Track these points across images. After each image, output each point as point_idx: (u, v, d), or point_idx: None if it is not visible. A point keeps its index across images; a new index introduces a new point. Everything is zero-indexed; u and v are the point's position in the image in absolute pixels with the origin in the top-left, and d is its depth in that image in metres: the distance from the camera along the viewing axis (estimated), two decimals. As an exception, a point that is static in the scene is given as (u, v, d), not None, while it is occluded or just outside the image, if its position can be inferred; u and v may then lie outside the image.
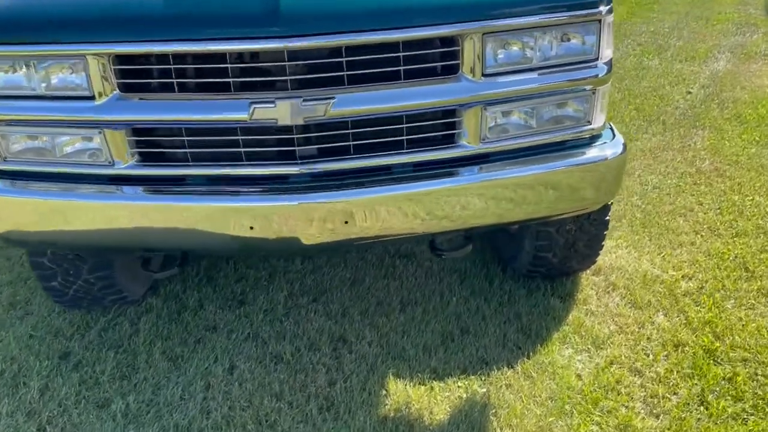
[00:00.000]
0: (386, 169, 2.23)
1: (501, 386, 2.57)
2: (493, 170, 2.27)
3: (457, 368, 2.67)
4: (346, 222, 2.16)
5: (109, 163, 2.20)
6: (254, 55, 2.06)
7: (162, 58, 2.07)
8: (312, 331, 2.91)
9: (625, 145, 2.45)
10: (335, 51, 2.05)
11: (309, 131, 2.15)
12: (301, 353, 2.79)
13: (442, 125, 2.23)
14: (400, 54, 2.09)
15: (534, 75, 2.21)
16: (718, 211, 3.68)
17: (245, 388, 2.61)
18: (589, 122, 2.35)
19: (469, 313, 2.97)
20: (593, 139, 2.40)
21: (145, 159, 2.21)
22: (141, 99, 2.11)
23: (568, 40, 2.21)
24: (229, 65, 2.05)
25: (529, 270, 3.08)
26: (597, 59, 2.26)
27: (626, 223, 3.62)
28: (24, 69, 2.10)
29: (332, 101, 2.06)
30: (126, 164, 2.20)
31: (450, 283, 3.18)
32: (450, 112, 2.20)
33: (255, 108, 2.05)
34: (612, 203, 2.92)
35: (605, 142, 2.41)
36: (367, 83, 2.10)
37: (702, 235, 3.46)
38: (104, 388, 2.64)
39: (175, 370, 2.72)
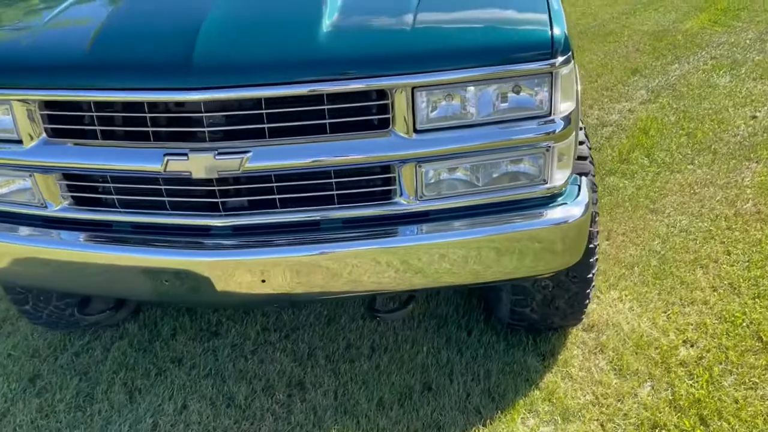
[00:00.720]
0: (315, 224, 2.11)
1: (448, 456, 2.40)
2: (432, 231, 2.09)
3: None
4: (263, 281, 2.05)
5: (42, 204, 2.19)
6: (173, 106, 1.98)
7: (87, 105, 2.03)
8: (273, 373, 2.82)
9: (588, 206, 2.20)
10: (255, 103, 1.95)
11: (233, 183, 2.05)
12: (255, 396, 2.71)
13: (375, 181, 2.08)
14: (325, 107, 1.95)
15: (474, 131, 2.01)
16: (746, 264, 3.29)
17: (189, 432, 2.57)
18: (545, 181, 2.13)
19: (437, 366, 2.80)
20: (552, 198, 2.17)
21: (78, 203, 2.18)
22: (67, 144, 2.09)
23: (516, 93, 2.00)
24: (147, 115, 1.98)
25: (509, 323, 2.87)
26: (550, 114, 2.03)
27: (638, 272, 3.30)
28: None
29: (248, 155, 1.96)
30: (58, 207, 2.18)
31: (426, 328, 3.01)
32: (384, 168, 2.05)
33: (168, 160, 1.97)
34: (596, 259, 2.66)
35: (565, 203, 2.17)
36: (290, 136, 1.99)
37: (719, 293, 3.11)
38: (58, 418, 2.67)
39: (129, 404, 2.71)
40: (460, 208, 2.12)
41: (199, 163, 1.96)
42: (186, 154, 1.96)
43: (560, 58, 1.98)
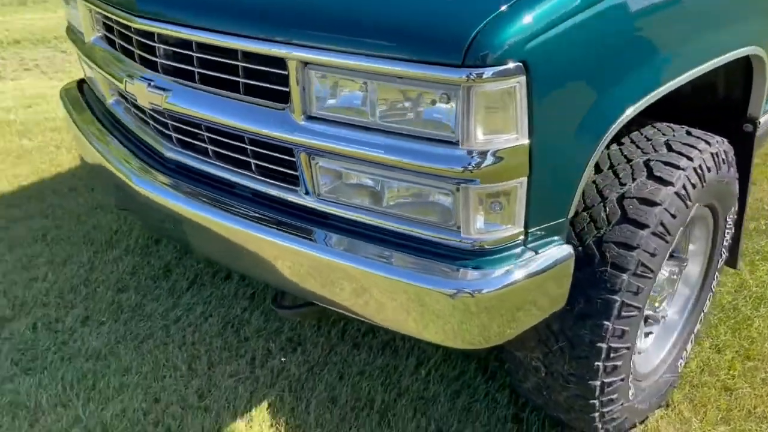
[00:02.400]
0: (231, 186, 1.96)
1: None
2: (321, 239, 1.75)
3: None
4: (163, 222, 2.02)
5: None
6: (143, 32, 2.00)
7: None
8: (308, 335, 2.75)
9: (517, 282, 1.57)
10: (184, 43, 1.86)
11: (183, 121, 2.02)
12: (258, 335, 2.73)
13: (282, 160, 1.80)
14: (239, 64, 1.75)
15: (366, 136, 1.57)
16: None
17: (200, 330, 2.73)
18: (458, 228, 1.57)
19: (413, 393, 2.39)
20: (477, 254, 1.59)
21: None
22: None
23: (422, 103, 1.49)
24: (129, 34, 2.06)
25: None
26: (457, 143, 1.46)
27: None
28: None
29: (168, 93, 1.90)
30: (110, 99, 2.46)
31: (452, 356, 2.56)
32: (288, 149, 1.76)
33: (126, 80, 2.04)
34: (616, 366, 1.88)
35: (481, 267, 1.56)
36: (214, 86, 1.85)
37: None
38: (137, 280, 3.10)
39: (182, 293, 2.97)
40: (363, 225, 1.71)
41: (139, 91, 1.98)
42: (132, 79, 2.00)
43: (485, 70, 1.38)
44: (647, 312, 2.22)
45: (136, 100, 2.04)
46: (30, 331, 2.80)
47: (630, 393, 2.04)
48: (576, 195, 1.66)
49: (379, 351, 2.62)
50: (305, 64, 1.59)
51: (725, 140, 2.09)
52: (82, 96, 2.74)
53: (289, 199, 1.82)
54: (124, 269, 3.18)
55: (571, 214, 1.68)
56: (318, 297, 1.81)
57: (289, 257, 1.77)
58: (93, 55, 2.34)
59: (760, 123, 2.31)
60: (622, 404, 2.01)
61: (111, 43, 2.25)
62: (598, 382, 1.88)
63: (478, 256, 1.59)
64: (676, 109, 2.15)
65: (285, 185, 1.82)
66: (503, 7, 1.41)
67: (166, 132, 2.08)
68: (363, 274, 1.62)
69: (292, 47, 1.60)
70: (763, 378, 2.42)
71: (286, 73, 1.64)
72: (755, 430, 2.21)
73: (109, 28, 2.24)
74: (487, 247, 1.58)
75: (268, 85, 1.71)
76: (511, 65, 1.40)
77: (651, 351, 2.31)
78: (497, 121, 1.44)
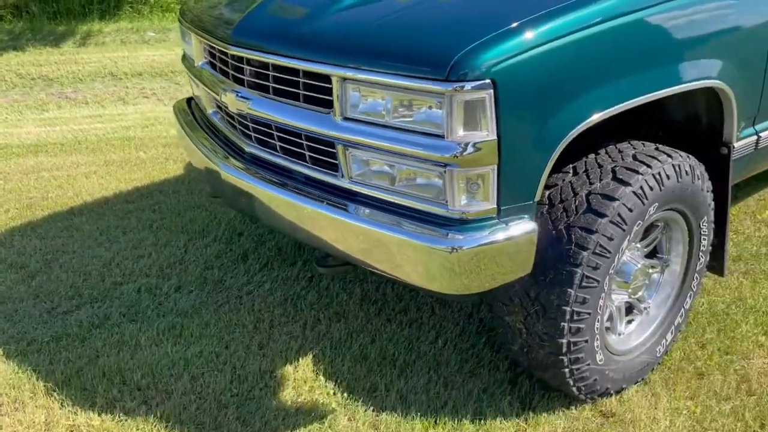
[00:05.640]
0: (289, 172, 2.59)
1: (354, 418, 2.64)
2: (352, 210, 2.34)
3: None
4: (246, 200, 2.68)
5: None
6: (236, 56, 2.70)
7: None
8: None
9: (481, 246, 2.10)
10: (262, 65, 2.53)
11: (259, 123, 2.68)
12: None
13: (327, 152, 2.41)
14: (300, 80, 2.39)
15: (386, 132, 2.16)
16: None
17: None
18: (446, 202, 2.12)
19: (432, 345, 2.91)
20: (464, 223, 2.13)
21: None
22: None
23: (422, 108, 2.07)
24: (230, 61, 2.75)
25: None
26: (443, 137, 2.02)
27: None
28: None
29: (250, 102, 2.56)
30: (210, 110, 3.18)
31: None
32: (330, 143, 2.37)
33: (221, 93, 2.73)
34: (579, 329, 2.34)
35: (457, 234, 2.10)
36: (282, 97, 2.50)
37: None
38: (222, 262, 3.80)
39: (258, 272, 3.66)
40: (381, 200, 2.29)
41: (230, 99, 2.66)
42: (226, 91, 2.69)
43: (463, 84, 1.96)
44: (631, 301, 2.67)
45: (227, 108, 2.73)
46: (135, 293, 3.52)
47: (598, 357, 2.48)
48: (541, 183, 2.17)
49: (407, 325, 3.15)
50: (344, 79, 2.21)
51: (691, 156, 2.53)
52: (189, 109, 3.49)
53: (330, 181, 2.43)
54: (211, 253, 3.88)
55: (537, 198, 2.20)
56: (348, 255, 2.39)
57: (329, 224, 2.36)
58: (200, 76, 3.07)
59: (734, 147, 2.72)
60: (589, 365, 2.45)
61: (213, 66, 2.96)
62: (564, 340, 2.35)
63: (462, 223, 2.13)
64: (669, 134, 2.65)
65: (328, 171, 2.43)
66: (479, 41, 1.98)
67: (247, 132, 2.74)
68: (381, 235, 2.20)
69: (335, 68, 2.22)
70: (737, 369, 2.77)
71: (330, 86, 2.27)
72: (716, 407, 2.57)
73: (212, 55, 2.95)
74: (469, 218, 2.12)
75: (317, 95, 2.34)
76: (482, 82, 1.95)
77: (631, 335, 2.73)
78: (475, 122, 2.00)
